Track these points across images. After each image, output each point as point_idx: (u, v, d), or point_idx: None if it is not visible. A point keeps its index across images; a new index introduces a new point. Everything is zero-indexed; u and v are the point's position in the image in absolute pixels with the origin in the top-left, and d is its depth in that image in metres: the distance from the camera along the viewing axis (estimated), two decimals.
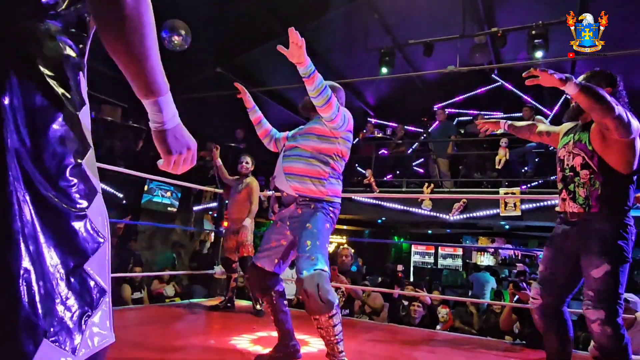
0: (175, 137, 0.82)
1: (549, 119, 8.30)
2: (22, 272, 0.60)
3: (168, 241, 8.83)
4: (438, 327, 4.68)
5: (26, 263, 0.60)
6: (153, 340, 2.70)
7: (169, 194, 8.58)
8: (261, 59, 8.09)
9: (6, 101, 0.61)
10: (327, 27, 7.57)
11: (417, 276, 11.69)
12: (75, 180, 0.69)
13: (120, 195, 7.85)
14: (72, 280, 0.66)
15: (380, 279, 8.06)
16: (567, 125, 2.20)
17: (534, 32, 6.55)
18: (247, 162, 4.09)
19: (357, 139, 9.51)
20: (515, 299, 3.59)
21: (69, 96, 0.69)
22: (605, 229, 1.88)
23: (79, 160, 0.70)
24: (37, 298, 0.61)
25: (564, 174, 2.04)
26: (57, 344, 0.62)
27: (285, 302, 2.42)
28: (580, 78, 2.00)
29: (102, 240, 0.73)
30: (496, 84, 10.12)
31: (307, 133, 2.26)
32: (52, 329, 0.62)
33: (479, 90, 10.22)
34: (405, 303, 4.58)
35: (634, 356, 2.98)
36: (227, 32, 7.44)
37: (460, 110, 10.38)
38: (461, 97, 10.32)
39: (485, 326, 4.62)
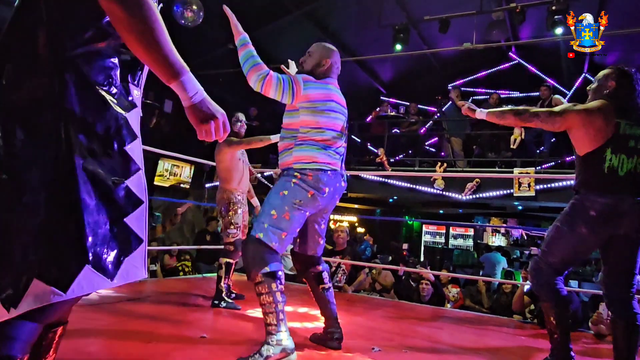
0: (201, 109, 0.97)
1: (567, 98, 8.11)
2: (84, 217, 0.86)
3: (183, 217, 8.94)
4: (449, 305, 4.71)
5: (86, 215, 0.87)
6: (170, 312, 2.78)
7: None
8: (275, 36, 8.00)
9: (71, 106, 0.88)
10: (340, 4, 7.40)
11: (428, 256, 11.71)
12: (122, 160, 0.94)
13: None
14: (115, 229, 0.92)
15: (390, 258, 8.13)
16: None
17: (554, 7, 6.34)
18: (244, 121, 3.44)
19: (369, 117, 9.44)
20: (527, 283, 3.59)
21: (116, 101, 0.95)
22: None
23: (124, 148, 0.95)
24: (90, 235, 0.87)
25: None
26: (96, 269, 0.87)
27: (324, 286, 2.26)
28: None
29: (140, 202, 0.96)
30: (513, 62, 9.88)
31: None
32: (94, 259, 0.87)
33: (496, 69, 10.00)
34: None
35: None
36: (238, 8, 7.34)
37: (476, 89, 10.19)
38: (477, 75, 10.12)
39: (495, 305, 4.63)
